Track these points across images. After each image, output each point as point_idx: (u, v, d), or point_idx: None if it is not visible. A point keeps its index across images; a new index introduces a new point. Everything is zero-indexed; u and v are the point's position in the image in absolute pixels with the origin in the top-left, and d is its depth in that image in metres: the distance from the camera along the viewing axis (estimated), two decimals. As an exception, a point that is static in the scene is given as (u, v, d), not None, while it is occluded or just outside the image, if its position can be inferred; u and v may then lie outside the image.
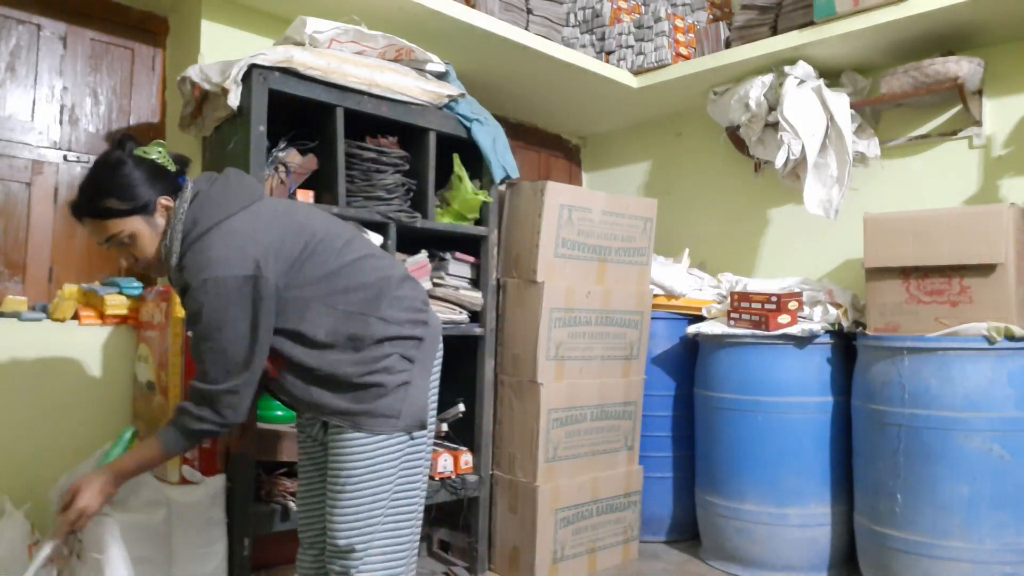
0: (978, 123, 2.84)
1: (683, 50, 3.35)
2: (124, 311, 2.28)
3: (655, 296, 3.07)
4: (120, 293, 2.28)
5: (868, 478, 2.47)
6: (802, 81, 2.99)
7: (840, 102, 2.91)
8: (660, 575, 2.76)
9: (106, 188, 1.43)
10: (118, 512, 1.84)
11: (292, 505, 2.07)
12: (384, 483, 1.48)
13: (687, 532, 3.13)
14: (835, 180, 2.89)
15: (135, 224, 1.45)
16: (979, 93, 2.83)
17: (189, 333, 1.45)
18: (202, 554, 1.93)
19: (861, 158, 3.00)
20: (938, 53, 2.83)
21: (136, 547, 1.84)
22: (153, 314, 2.15)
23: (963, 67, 2.67)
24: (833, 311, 2.72)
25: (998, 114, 2.81)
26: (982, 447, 2.21)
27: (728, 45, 3.23)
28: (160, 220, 1.47)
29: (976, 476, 2.20)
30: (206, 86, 2.15)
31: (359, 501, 1.47)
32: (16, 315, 2.17)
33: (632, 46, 3.40)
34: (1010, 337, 2.23)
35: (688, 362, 3.11)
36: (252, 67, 2.05)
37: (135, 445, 1.59)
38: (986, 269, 2.30)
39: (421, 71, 2.48)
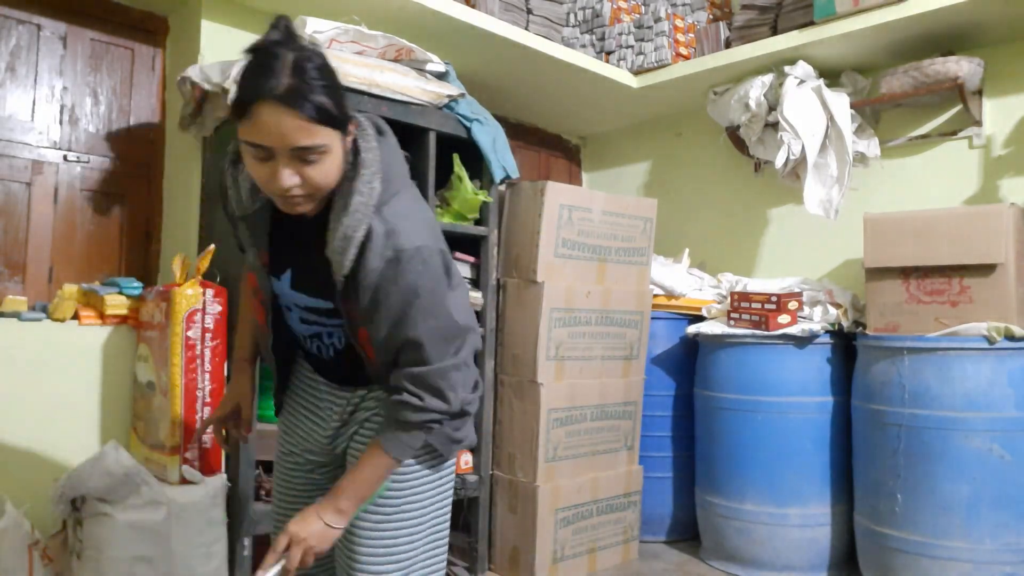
0: (978, 123, 2.84)
1: (683, 50, 3.35)
2: (124, 311, 2.28)
3: (655, 296, 3.07)
4: (120, 293, 2.28)
5: (868, 478, 2.47)
6: (802, 81, 2.99)
7: (840, 102, 2.91)
8: (660, 575, 2.76)
9: (330, 86, 1.09)
10: (118, 511, 1.84)
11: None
12: (426, 512, 1.31)
13: (687, 532, 3.13)
14: (835, 180, 2.89)
15: (335, 140, 1.10)
16: (979, 93, 2.83)
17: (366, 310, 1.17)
18: (202, 554, 1.93)
19: (861, 158, 3.00)
20: (938, 53, 2.83)
21: (136, 547, 1.84)
22: (153, 314, 2.15)
23: (963, 67, 2.67)
24: (833, 311, 2.72)
25: (998, 114, 2.81)
26: (982, 447, 2.21)
27: (728, 45, 3.23)
28: (342, 149, 1.14)
29: (976, 476, 2.21)
30: (206, 86, 2.15)
31: (398, 533, 1.28)
32: (16, 315, 2.18)
33: (632, 46, 3.40)
34: (1010, 337, 2.23)
35: (688, 362, 3.11)
36: (252, 67, 2.05)
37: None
38: (986, 269, 2.30)
39: (421, 71, 2.48)
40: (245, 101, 1.04)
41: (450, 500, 1.37)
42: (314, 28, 2.19)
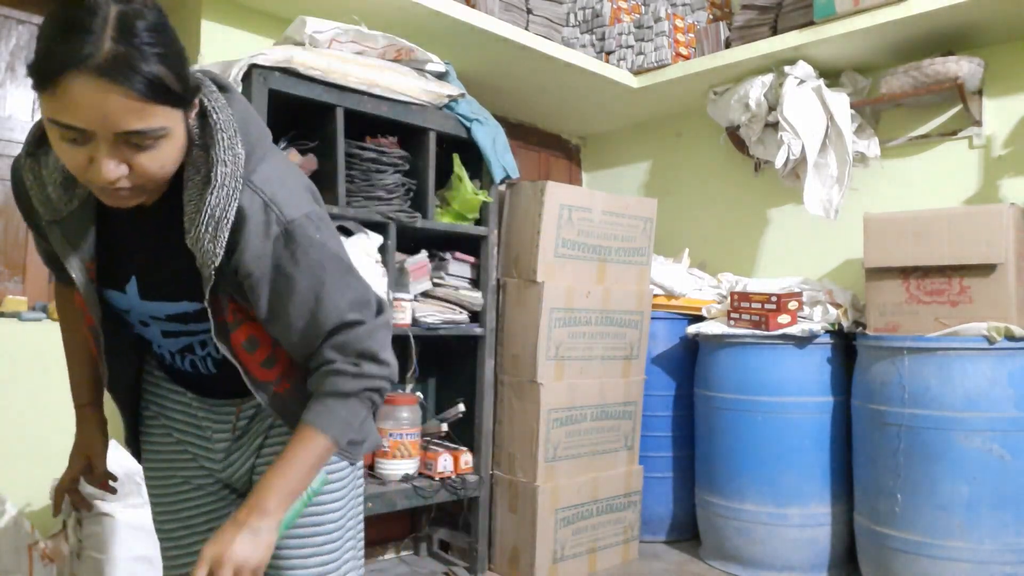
0: (978, 123, 2.84)
1: (683, 50, 3.34)
2: (124, 311, 2.28)
3: (655, 296, 3.07)
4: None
5: (868, 478, 2.47)
6: (802, 81, 2.99)
7: (840, 102, 2.91)
8: (660, 575, 2.76)
9: (168, 52, 0.84)
10: (119, 511, 1.84)
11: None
12: (346, 511, 1.17)
13: (687, 532, 3.13)
14: (835, 180, 2.89)
15: (176, 120, 0.88)
16: (979, 93, 2.83)
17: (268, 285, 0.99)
18: (202, 554, 1.93)
19: (861, 158, 3.00)
20: (938, 53, 2.83)
21: (136, 547, 1.84)
22: (153, 314, 2.15)
23: (963, 67, 2.67)
24: (833, 311, 2.72)
25: (998, 114, 2.81)
26: (982, 447, 2.21)
27: (728, 45, 3.23)
28: (184, 127, 0.91)
29: (976, 476, 2.20)
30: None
31: (325, 540, 1.13)
32: (16, 315, 2.18)
33: (632, 46, 3.40)
34: (1010, 337, 2.23)
35: (688, 362, 3.11)
36: (252, 67, 2.06)
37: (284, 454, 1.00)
38: (986, 269, 2.30)
39: (421, 71, 2.48)
40: (48, 71, 0.78)
41: (363, 492, 1.24)
42: (314, 28, 2.19)
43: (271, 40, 2.56)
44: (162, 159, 0.87)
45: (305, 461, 0.98)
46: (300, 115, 2.31)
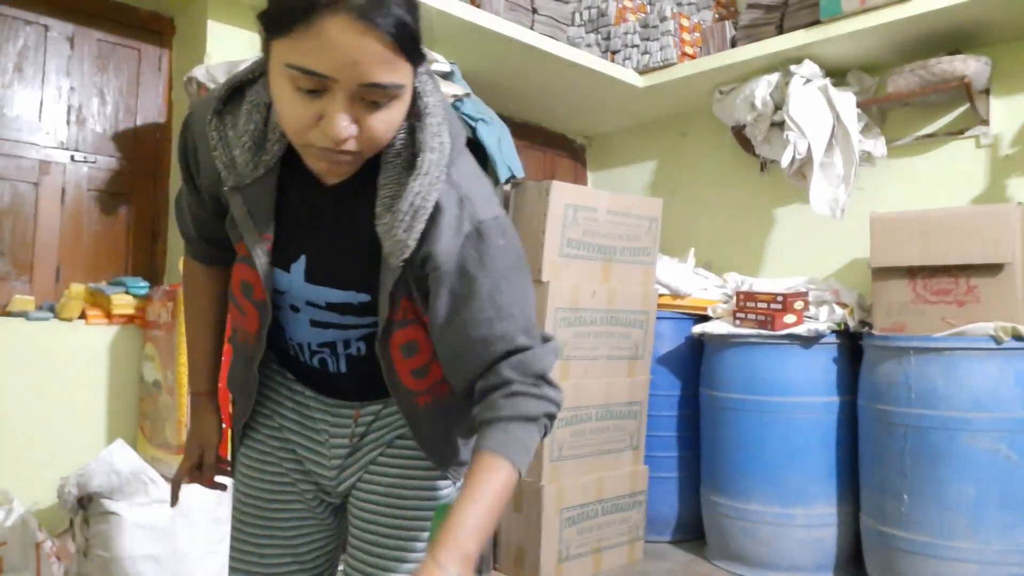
0: (985, 122, 2.83)
1: (689, 49, 3.34)
2: (131, 310, 2.30)
3: (660, 296, 3.07)
4: (127, 293, 2.30)
5: (874, 478, 2.46)
6: (808, 80, 2.98)
7: (846, 101, 2.90)
8: (666, 575, 2.76)
9: (419, 18, 0.81)
10: (125, 510, 1.85)
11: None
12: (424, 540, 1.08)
13: (692, 532, 3.13)
14: (841, 179, 2.88)
15: (409, 80, 0.83)
16: (986, 92, 2.82)
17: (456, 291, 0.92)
18: (209, 552, 1.94)
19: (867, 157, 2.99)
20: (945, 52, 2.81)
21: (143, 545, 1.85)
22: (159, 313, 2.16)
23: (970, 66, 2.66)
24: (839, 311, 2.71)
25: (1006, 113, 2.80)
26: (989, 448, 2.20)
27: (734, 44, 3.22)
28: (411, 92, 0.86)
29: (983, 477, 2.20)
30: (212, 86, 2.16)
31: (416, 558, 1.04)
32: (24, 314, 2.19)
33: (637, 45, 3.39)
34: (1017, 337, 2.22)
35: (694, 362, 3.10)
36: (258, 67, 2.06)
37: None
38: (993, 269, 2.29)
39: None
40: (303, 9, 0.73)
41: None
42: (320, 28, 2.20)
43: (277, 40, 2.57)
44: (390, 122, 0.82)
45: (500, 496, 0.86)
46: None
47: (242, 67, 2.04)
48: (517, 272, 0.93)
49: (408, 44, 0.78)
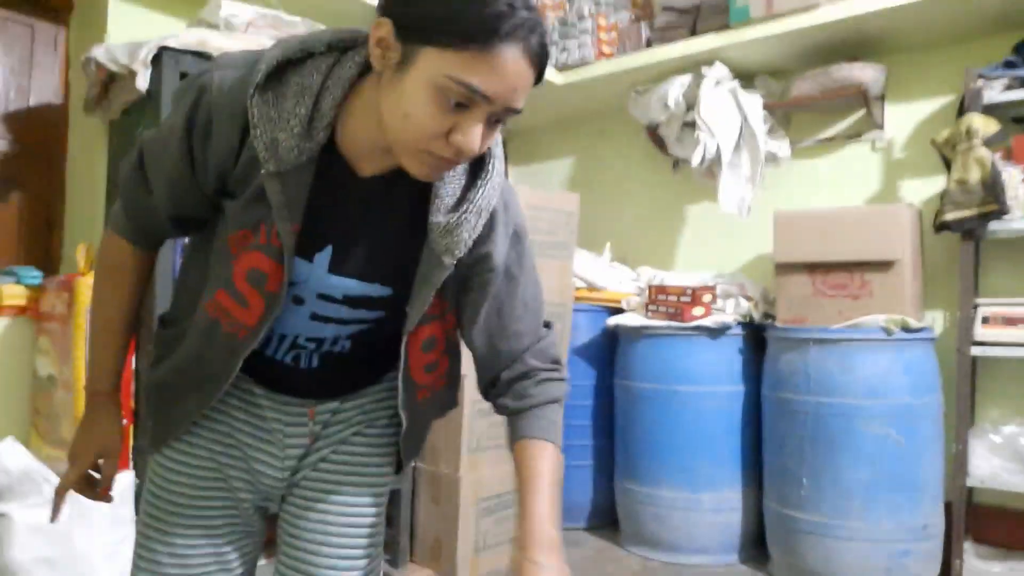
0: (880, 127, 2.99)
1: (606, 48, 3.40)
2: (23, 301, 2.17)
3: (577, 289, 3.12)
4: (18, 283, 2.17)
5: (777, 463, 2.58)
6: (718, 82, 3.08)
7: (754, 104, 3.02)
8: (580, 562, 2.81)
9: None
10: (16, 511, 1.75)
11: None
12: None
13: (607, 519, 3.19)
14: (748, 179, 3.00)
15: None
16: (881, 98, 2.99)
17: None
18: (109, 553, 1.85)
19: (773, 158, 3.12)
20: (844, 59, 2.96)
21: (37, 548, 1.76)
22: (54, 305, 2.05)
23: (867, 73, 2.81)
24: (745, 304, 2.82)
25: (898, 119, 2.97)
26: (880, 433, 2.34)
27: (649, 45, 3.30)
28: None
29: (875, 460, 2.33)
30: (112, 67, 2.06)
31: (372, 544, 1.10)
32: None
33: (556, 43, 3.43)
34: (906, 329, 2.37)
35: (609, 353, 3.17)
36: (163, 49, 1.98)
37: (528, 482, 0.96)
38: (885, 265, 2.44)
39: (343, 59, 2.43)
40: (493, 35, 0.75)
41: None
42: (229, 11, 2.13)
43: (183, 22, 2.47)
44: (495, 138, 0.89)
45: (558, 477, 0.95)
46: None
47: (144, 48, 1.95)
48: (535, 269, 1.03)
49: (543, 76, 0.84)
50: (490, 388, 1.04)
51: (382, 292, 0.96)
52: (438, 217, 0.90)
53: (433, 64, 0.77)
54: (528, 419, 0.98)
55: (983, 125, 2.43)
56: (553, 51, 3.42)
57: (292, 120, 0.84)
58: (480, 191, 0.90)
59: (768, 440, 2.65)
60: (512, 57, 0.76)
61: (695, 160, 3.02)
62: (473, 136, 0.80)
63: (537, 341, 1.02)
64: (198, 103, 0.87)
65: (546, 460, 0.95)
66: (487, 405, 2.82)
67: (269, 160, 0.85)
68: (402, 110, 0.80)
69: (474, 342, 1.02)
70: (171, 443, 1.03)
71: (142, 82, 1.98)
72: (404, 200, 0.93)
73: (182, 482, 1.02)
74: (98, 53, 2.10)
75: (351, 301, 0.96)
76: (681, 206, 3.55)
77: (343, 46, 0.87)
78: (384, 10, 0.80)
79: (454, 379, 1.13)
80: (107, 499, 1.11)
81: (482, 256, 0.94)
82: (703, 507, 2.72)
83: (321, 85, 0.85)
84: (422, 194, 0.93)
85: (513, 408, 1.00)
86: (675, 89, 3.16)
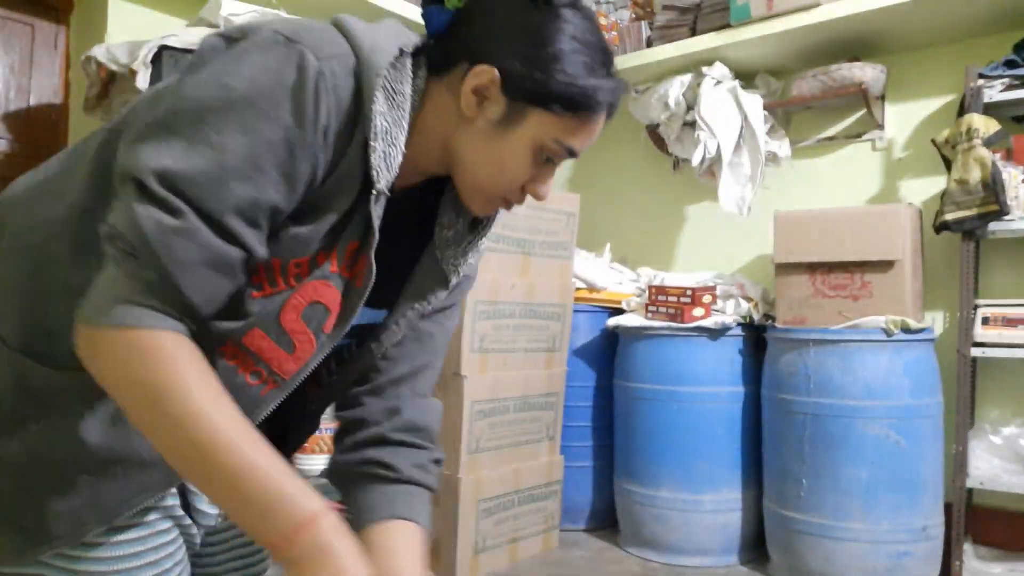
0: (880, 127, 2.99)
1: (606, 47, 3.39)
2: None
3: (578, 289, 3.11)
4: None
5: (776, 464, 2.58)
6: (719, 82, 3.08)
7: (754, 103, 3.01)
8: (580, 563, 2.81)
9: None
10: None
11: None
12: None
13: (606, 520, 3.19)
14: (748, 179, 3.00)
15: None
16: (882, 98, 2.98)
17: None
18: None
19: (773, 158, 3.12)
20: (845, 59, 2.96)
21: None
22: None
23: (867, 73, 2.81)
24: (745, 304, 2.82)
25: (899, 119, 2.97)
26: (880, 433, 2.34)
27: (650, 44, 3.29)
28: None
29: (874, 461, 2.33)
30: (113, 67, 2.06)
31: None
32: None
33: (556, 42, 3.42)
34: (906, 329, 2.36)
35: (609, 354, 3.16)
36: (163, 49, 1.98)
37: None
38: (885, 265, 2.43)
39: (343, 59, 2.43)
40: (597, 107, 0.78)
41: None
42: (229, 11, 2.12)
43: (183, 21, 2.47)
44: None
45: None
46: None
47: (145, 47, 1.95)
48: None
49: None
50: (359, 425, 0.93)
51: (379, 317, 0.89)
52: (447, 234, 0.88)
53: (542, 127, 0.77)
54: (421, 499, 0.95)
55: (983, 125, 2.43)
56: (553, 51, 3.41)
57: (396, 130, 0.74)
58: (493, 219, 0.91)
59: (768, 441, 2.65)
60: (601, 123, 0.81)
61: (695, 160, 3.02)
62: (548, 187, 0.84)
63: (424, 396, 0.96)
64: (318, 97, 0.68)
65: (422, 547, 0.89)
66: (487, 406, 2.82)
67: (381, 175, 0.74)
68: (500, 164, 0.79)
69: (404, 357, 0.93)
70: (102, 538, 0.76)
71: (142, 81, 1.97)
72: (412, 216, 0.89)
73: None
74: (98, 52, 2.10)
75: (352, 330, 0.84)
76: (681, 206, 3.55)
77: (415, 51, 0.80)
78: (488, 58, 0.76)
79: None
80: None
81: (465, 278, 0.95)
82: (703, 508, 2.72)
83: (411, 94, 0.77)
84: (422, 211, 0.90)
85: (410, 475, 0.94)
86: (675, 88, 3.16)
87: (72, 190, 0.74)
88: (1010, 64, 2.50)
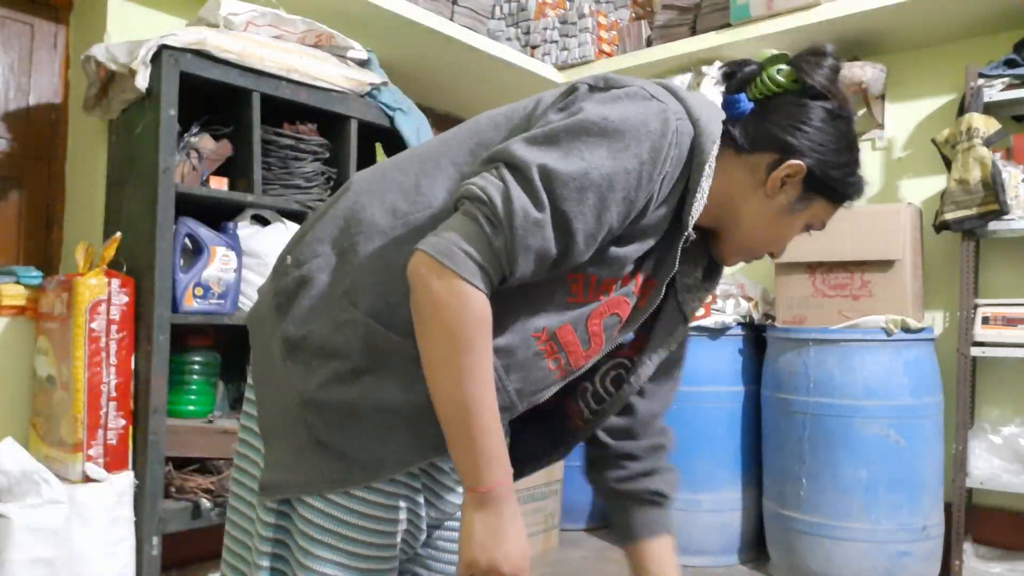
0: (880, 126, 2.99)
1: (606, 47, 3.39)
2: (22, 302, 2.17)
3: (577, 289, 3.11)
4: (18, 283, 2.17)
5: (776, 464, 2.58)
6: (719, 81, 3.07)
7: (754, 102, 3.01)
8: (579, 563, 2.81)
9: None
10: (15, 512, 1.75)
11: (205, 502, 2.01)
12: None
13: (606, 520, 3.19)
14: (749, 178, 2.99)
15: None
16: (882, 98, 2.98)
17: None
18: (108, 554, 1.85)
19: (773, 157, 3.11)
20: (845, 58, 2.95)
21: (35, 548, 1.76)
22: (54, 305, 2.05)
23: (867, 72, 2.81)
24: (744, 304, 2.82)
25: (899, 118, 2.97)
26: (880, 433, 2.34)
27: (649, 44, 3.29)
28: None
29: (874, 460, 2.33)
30: (112, 66, 2.05)
31: None
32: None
33: (556, 41, 3.42)
34: (906, 329, 2.36)
35: (608, 354, 3.16)
36: (162, 48, 1.98)
37: None
38: (885, 265, 2.43)
39: (342, 58, 2.43)
40: (855, 197, 0.99)
41: None
42: (229, 10, 2.12)
43: (182, 20, 2.47)
44: None
45: None
46: (214, 99, 2.23)
47: (144, 47, 1.94)
48: None
49: None
50: (630, 458, 1.12)
51: (627, 340, 1.05)
52: (686, 281, 1.03)
53: (820, 210, 0.97)
54: (669, 515, 1.12)
55: (983, 124, 2.42)
56: (553, 50, 3.42)
57: (706, 185, 0.90)
58: (722, 270, 1.09)
59: (767, 441, 2.65)
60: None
61: (695, 159, 3.02)
62: (785, 246, 1.02)
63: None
64: (668, 144, 0.85)
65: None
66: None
67: (691, 221, 0.91)
68: (779, 234, 0.98)
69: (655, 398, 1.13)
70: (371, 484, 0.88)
71: (142, 81, 1.97)
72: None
73: (384, 531, 0.90)
74: (98, 52, 2.10)
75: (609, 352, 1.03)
76: (681, 205, 3.54)
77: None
78: (797, 154, 0.92)
79: None
80: None
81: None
82: (702, 508, 2.72)
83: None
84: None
85: (656, 488, 1.10)
86: (675, 88, 3.16)
87: (434, 199, 0.90)
88: (1010, 63, 2.50)
